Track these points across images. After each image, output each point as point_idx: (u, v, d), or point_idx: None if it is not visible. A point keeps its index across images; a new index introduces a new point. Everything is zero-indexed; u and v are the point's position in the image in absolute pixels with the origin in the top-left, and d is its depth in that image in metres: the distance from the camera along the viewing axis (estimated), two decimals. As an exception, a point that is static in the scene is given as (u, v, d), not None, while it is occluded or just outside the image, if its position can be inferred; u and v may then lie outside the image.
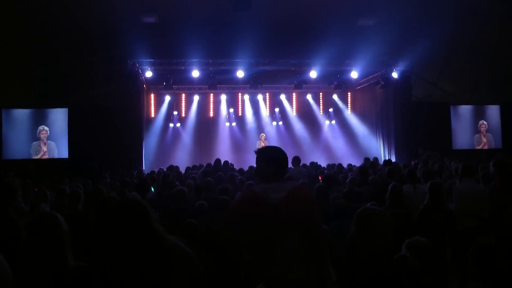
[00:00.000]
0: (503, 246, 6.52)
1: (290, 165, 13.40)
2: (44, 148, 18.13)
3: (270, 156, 3.88)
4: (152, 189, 9.83)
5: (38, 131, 18.10)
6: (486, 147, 20.43)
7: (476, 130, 20.71)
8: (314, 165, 15.08)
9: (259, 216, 3.62)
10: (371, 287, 3.05)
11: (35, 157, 17.96)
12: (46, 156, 18.11)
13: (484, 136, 20.70)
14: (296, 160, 12.76)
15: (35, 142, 18.11)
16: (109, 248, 2.95)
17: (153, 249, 2.87)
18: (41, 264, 2.99)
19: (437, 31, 16.02)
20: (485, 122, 20.71)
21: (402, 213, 6.33)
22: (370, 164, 13.75)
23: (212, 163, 14.40)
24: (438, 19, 16.04)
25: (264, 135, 21.41)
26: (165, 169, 14.46)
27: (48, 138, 18.20)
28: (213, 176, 10.50)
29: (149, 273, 2.84)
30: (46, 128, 18.17)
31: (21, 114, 18.30)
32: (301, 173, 11.99)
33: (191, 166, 14.71)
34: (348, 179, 9.58)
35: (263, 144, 20.61)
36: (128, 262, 2.84)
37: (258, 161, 3.93)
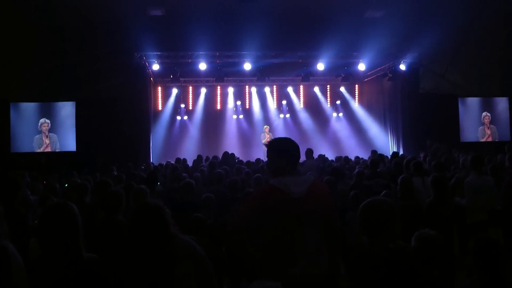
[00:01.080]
0: (509, 240, 6.54)
1: (303, 157, 13.52)
2: (47, 141, 18.21)
3: (282, 148, 3.79)
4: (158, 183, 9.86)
5: (39, 124, 18.18)
6: (490, 139, 20.35)
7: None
8: (321, 157, 15.07)
9: (281, 211, 3.51)
10: (379, 277, 3.05)
11: (38, 150, 18.05)
12: (48, 149, 18.21)
13: (488, 128, 20.59)
14: (309, 152, 12.80)
15: (37, 136, 18.19)
16: (126, 244, 3.07)
17: (163, 247, 3.02)
18: (58, 254, 3.01)
19: (445, 22, 15.92)
20: (488, 114, 20.61)
21: (412, 205, 6.32)
22: (379, 157, 13.73)
23: (220, 156, 14.45)
24: (446, 10, 15.95)
25: (267, 127, 21.36)
26: (172, 162, 14.54)
27: (55, 131, 18.29)
28: (219, 169, 10.56)
29: (155, 265, 2.99)
30: (47, 120, 18.25)
31: (29, 108, 18.38)
32: (313, 165, 12.05)
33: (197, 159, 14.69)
34: (356, 171, 9.56)
35: (267, 136, 20.60)
36: (140, 258, 3.00)
37: (269, 153, 3.84)
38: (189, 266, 3.05)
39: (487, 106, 20.71)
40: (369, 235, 3.17)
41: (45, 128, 18.20)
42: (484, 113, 20.62)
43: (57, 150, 18.21)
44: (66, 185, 9.36)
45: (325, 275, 3.46)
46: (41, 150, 18.10)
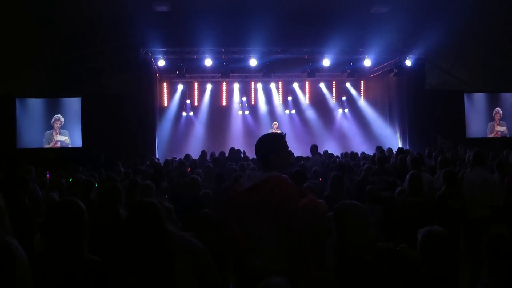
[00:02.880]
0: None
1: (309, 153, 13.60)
2: (57, 137, 18.24)
3: (256, 146, 3.90)
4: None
5: (53, 120, 18.21)
6: (499, 135, 20.23)
7: (490, 118, 20.48)
8: (326, 154, 15.11)
9: (233, 204, 3.83)
10: (361, 281, 3.04)
11: (47, 146, 18.09)
12: (58, 145, 18.23)
13: (498, 124, 20.47)
14: (314, 148, 12.84)
15: (47, 131, 18.23)
16: (124, 243, 3.10)
17: (159, 244, 3.04)
18: (59, 253, 3.00)
19: (451, 18, 15.85)
20: (500, 110, 20.47)
21: (420, 202, 6.28)
22: (383, 152, 13.73)
23: (226, 152, 14.53)
24: (452, 5, 15.87)
25: (276, 123, 21.40)
26: (177, 158, 14.61)
27: (62, 127, 18.31)
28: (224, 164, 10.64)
29: (153, 262, 3.02)
30: (62, 118, 18.27)
31: (35, 103, 18.41)
32: (317, 161, 12.08)
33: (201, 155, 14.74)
34: (365, 166, 9.57)
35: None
36: (137, 256, 3.03)
37: None
38: (188, 262, 3.07)
39: (493, 101, 20.58)
40: (344, 237, 3.16)
41: (57, 124, 18.23)
42: (496, 109, 20.44)
43: (69, 146, 18.24)
44: (70, 180, 9.40)
45: (288, 273, 3.38)
46: (50, 145, 18.14)
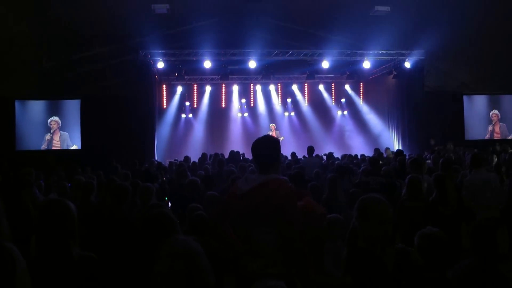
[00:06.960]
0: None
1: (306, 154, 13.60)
2: (56, 139, 18.25)
3: (253, 148, 3.83)
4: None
5: (49, 122, 18.23)
6: (498, 137, 20.23)
7: (490, 120, 20.48)
8: (328, 155, 15.15)
9: (231, 207, 3.77)
10: (371, 275, 3.05)
11: (47, 148, 18.08)
12: (58, 147, 18.22)
13: (496, 125, 20.48)
14: (310, 150, 12.82)
15: (47, 133, 18.23)
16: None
17: (151, 248, 3.08)
18: (47, 252, 3.02)
19: (451, 19, 15.86)
20: (496, 112, 20.48)
21: (420, 206, 6.23)
22: (378, 154, 13.75)
23: (225, 154, 14.52)
24: (452, 7, 15.88)
25: (274, 125, 21.39)
26: (178, 160, 14.61)
27: (61, 129, 18.33)
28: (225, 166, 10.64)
29: (140, 264, 3.17)
30: (56, 119, 18.29)
31: (34, 106, 18.43)
32: (313, 163, 12.03)
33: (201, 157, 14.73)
34: (361, 169, 9.57)
35: (273, 134, 20.61)
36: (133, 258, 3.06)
37: None
38: (176, 264, 3.09)
39: (493, 103, 20.59)
40: (365, 231, 3.16)
41: (54, 126, 18.24)
42: (492, 111, 20.45)
43: (70, 148, 18.25)
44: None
45: (286, 277, 3.40)
46: (50, 147, 18.15)
